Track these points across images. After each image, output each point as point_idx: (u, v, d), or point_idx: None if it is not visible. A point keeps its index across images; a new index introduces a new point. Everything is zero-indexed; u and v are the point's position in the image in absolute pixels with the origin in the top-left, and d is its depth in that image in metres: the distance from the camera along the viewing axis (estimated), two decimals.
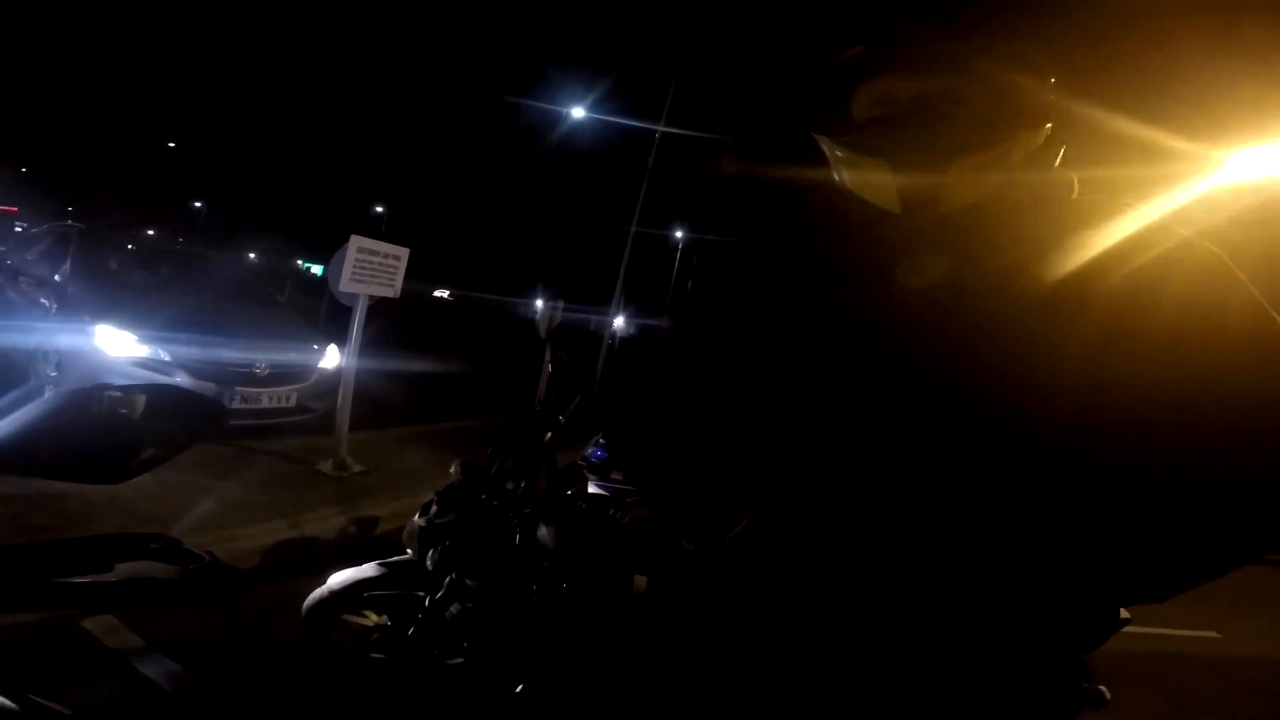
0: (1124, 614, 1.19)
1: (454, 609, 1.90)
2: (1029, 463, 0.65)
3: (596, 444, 2.72)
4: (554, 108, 14.34)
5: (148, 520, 3.07)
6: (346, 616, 2.28)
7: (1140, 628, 1.66)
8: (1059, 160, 0.79)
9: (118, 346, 4.53)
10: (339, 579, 2.24)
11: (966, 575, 0.68)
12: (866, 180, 0.78)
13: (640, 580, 1.39)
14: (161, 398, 0.81)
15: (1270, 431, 0.62)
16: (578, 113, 14.01)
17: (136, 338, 4.58)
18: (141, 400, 0.77)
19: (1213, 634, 4.67)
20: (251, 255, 23.52)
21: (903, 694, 0.71)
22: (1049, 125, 0.75)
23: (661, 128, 12.66)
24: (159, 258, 6.77)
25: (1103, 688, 1.03)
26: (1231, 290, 0.67)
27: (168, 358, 4.60)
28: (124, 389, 0.76)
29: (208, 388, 4.52)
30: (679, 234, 25.02)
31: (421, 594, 2.06)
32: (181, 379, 4.50)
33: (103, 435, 0.75)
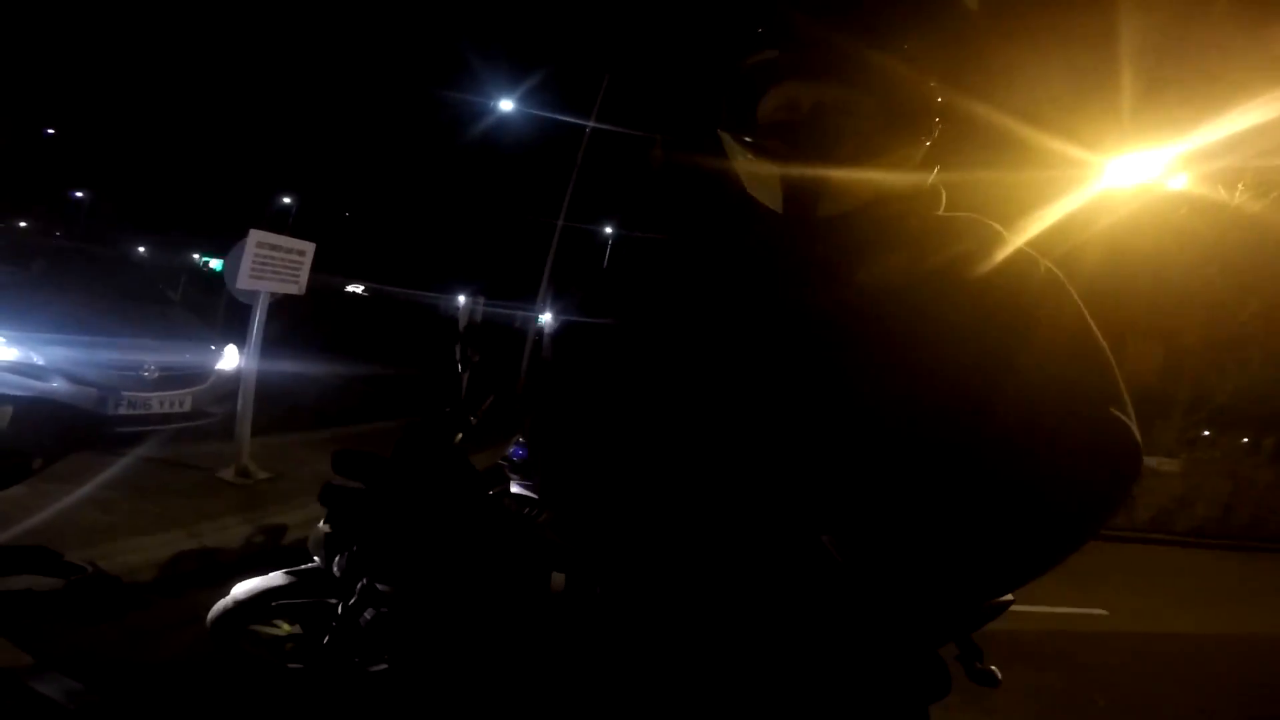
0: (1007, 597, 1.26)
1: (368, 615, 1.84)
2: (869, 460, 0.71)
3: (518, 444, 2.70)
4: (480, 99, 14.03)
5: (22, 535, 2.82)
6: (256, 627, 2.19)
7: (1033, 606, 1.79)
8: (933, 174, 0.84)
9: None
10: (243, 589, 2.16)
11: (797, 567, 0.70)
12: (758, 177, 0.81)
13: (558, 578, 1.39)
14: (31, 404, 0.75)
15: (1074, 440, 0.68)
16: (506, 105, 13.71)
17: (3, 340, 4.19)
18: (7, 408, 0.71)
19: (1101, 611, 5.08)
20: (141, 249, 21.77)
21: (738, 680, 0.72)
22: (928, 141, 0.80)
23: (592, 123, 12.61)
24: (31, 252, 6.20)
25: (994, 668, 1.10)
26: (1067, 313, 0.75)
27: (41, 361, 4.20)
28: None
29: (88, 393, 4.18)
30: (609, 230, 24.96)
31: (334, 601, 1.99)
32: (58, 384, 4.14)
33: None
